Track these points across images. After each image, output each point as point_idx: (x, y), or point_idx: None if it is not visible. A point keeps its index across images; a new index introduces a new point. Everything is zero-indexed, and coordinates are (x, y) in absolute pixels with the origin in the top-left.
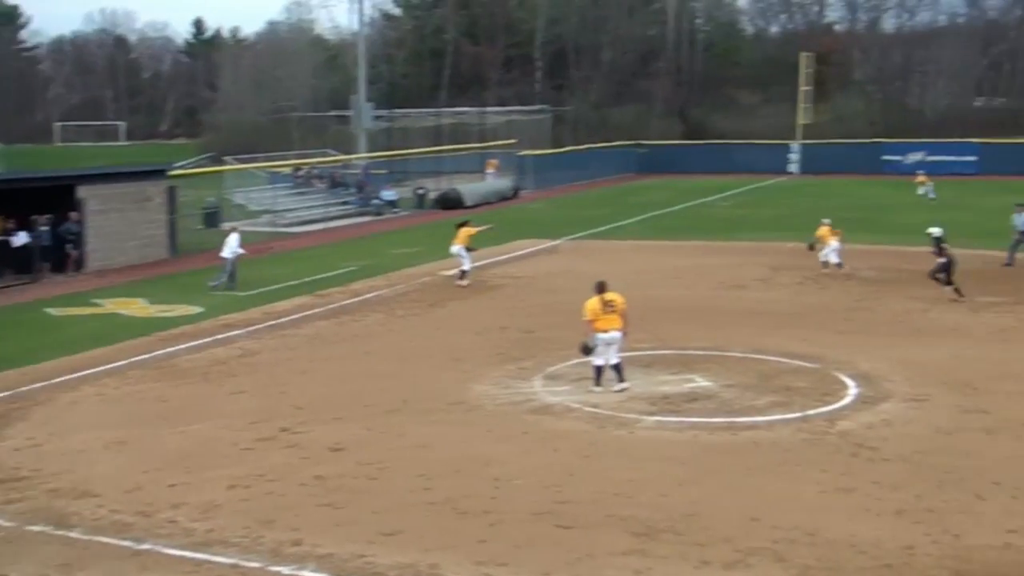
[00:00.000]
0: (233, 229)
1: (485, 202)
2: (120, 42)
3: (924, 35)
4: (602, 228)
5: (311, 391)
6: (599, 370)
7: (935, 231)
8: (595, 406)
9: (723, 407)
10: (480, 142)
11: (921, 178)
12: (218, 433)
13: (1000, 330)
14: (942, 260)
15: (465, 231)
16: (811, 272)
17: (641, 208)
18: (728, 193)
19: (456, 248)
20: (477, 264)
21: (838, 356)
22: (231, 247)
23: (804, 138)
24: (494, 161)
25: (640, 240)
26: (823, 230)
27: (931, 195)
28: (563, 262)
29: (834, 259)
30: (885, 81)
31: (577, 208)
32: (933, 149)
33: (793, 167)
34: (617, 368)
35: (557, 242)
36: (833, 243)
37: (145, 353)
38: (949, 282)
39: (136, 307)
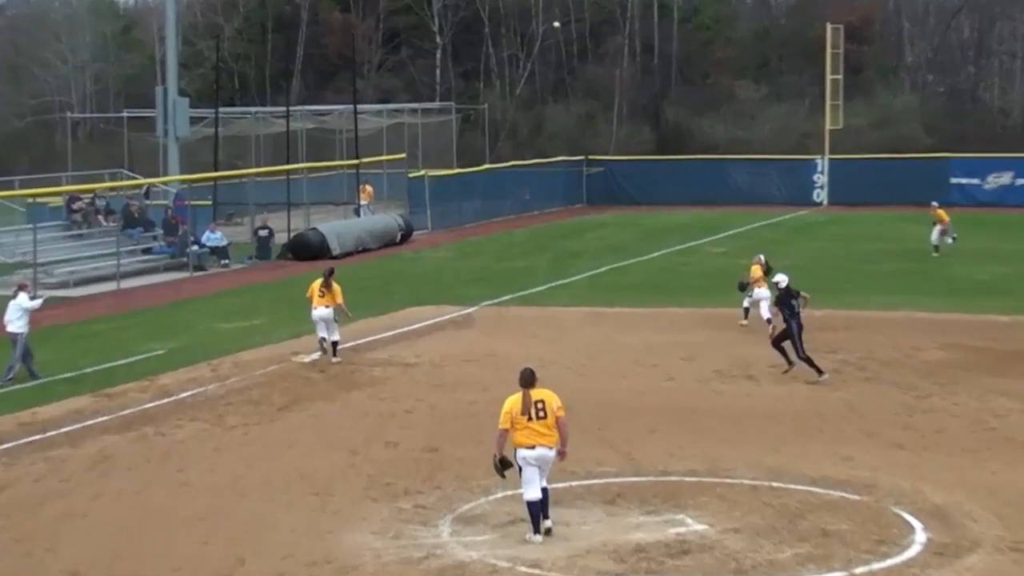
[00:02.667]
0: (21, 287)
1: (361, 248)
2: None
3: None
4: (536, 288)
5: (93, 548)
6: (537, 508)
7: (780, 279)
8: (534, 566)
9: (727, 564)
10: (352, 158)
11: (939, 212)
12: None
13: None
14: (792, 322)
15: (338, 288)
16: (851, 353)
17: (594, 257)
18: (721, 235)
19: (322, 312)
20: (350, 343)
21: (895, 482)
22: (15, 315)
23: (834, 151)
24: (369, 187)
25: (593, 306)
26: (755, 270)
27: (950, 239)
28: (478, 341)
29: (764, 312)
30: (949, 68)
31: (498, 257)
32: None
33: (819, 194)
34: (543, 500)
35: (469, 310)
36: (764, 291)
37: None
38: (801, 356)
39: None
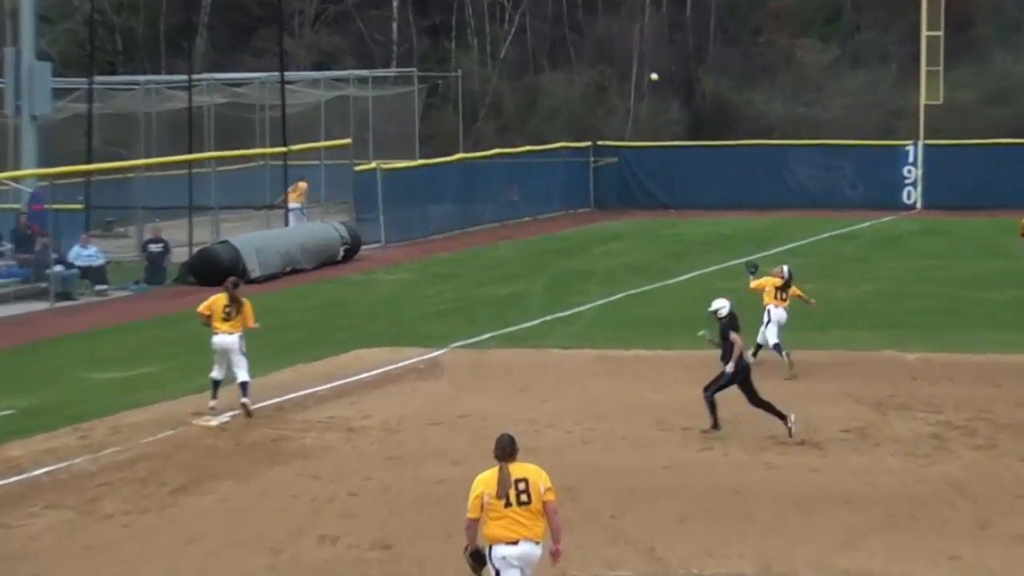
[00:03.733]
0: None
1: (291, 269)
2: None
3: None
4: (527, 323)
5: None
6: None
7: (719, 306)
8: None
9: None
10: (278, 144)
11: None
12: None
13: None
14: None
15: (249, 306)
16: (957, 412)
17: (605, 281)
18: (776, 250)
19: (226, 341)
20: (273, 399)
21: None
22: None
23: (932, 136)
24: (303, 184)
25: (604, 348)
26: (767, 282)
27: None
28: (448, 396)
29: (772, 338)
30: None
31: (477, 281)
32: None
33: (910, 193)
34: None
35: (437, 353)
36: (776, 310)
37: None
38: (754, 402)
39: None
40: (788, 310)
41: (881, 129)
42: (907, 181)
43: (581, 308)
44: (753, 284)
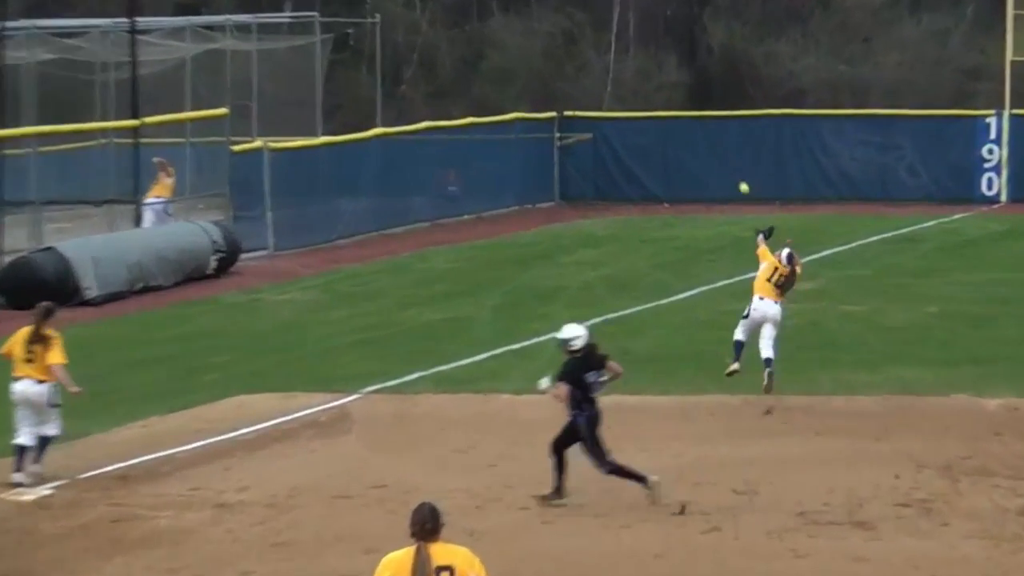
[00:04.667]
0: None
1: (141, 287)
2: None
3: None
4: (469, 358)
5: None
6: None
7: (572, 334)
8: None
9: None
10: (126, 116)
11: None
12: None
13: None
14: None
15: (58, 342)
16: None
17: (576, 301)
18: (809, 258)
19: (28, 389)
20: (113, 465)
21: None
22: None
23: (1021, 104)
24: (168, 177)
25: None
26: (767, 258)
27: None
28: (360, 459)
29: (764, 349)
30: None
31: (401, 302)
32: None
33: (991, 182)
34: None
35: (345, 400)
36: (763, 303)
37: None
38: (607, 469)
39: None
40: (785, 308)
41: (952, 94)
42: (987, 165)
43: (543, 338)
44: (760, 250)
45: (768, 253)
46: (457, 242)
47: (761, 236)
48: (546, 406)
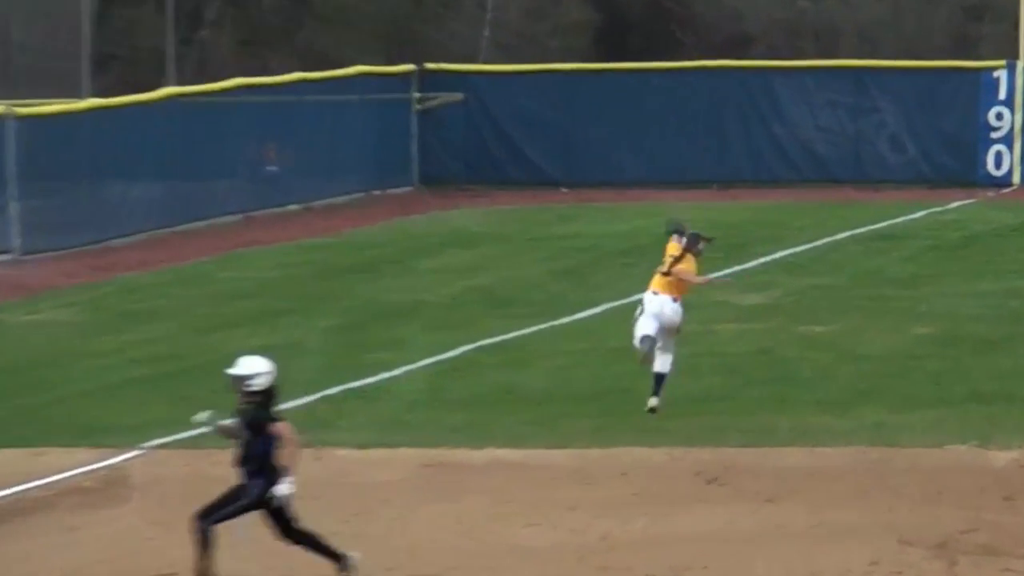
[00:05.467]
0: None
1: None
2: None
3: None
4: (290, 402)
5: None
6: None
7: (251, 370)
8: None
9: None
10: None
11: None
12: None
13: None
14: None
15: None
16: None
17: (440, 323)
18: (758, 261)
19: None
20: None
21: None
22: None
23: None
24: None
25: (442, 447)
26: (672, 247)
27: None
28: (138, 537)
29: (659, 364)
30: None
31: (198, 324)
32: None
33: (999, 158)
34: None
35: (119, 458)
36: (657, 298)
37: None
38: (294, 537)
39: None
40: (683, 304)
41: (949, 40)
42: (995, 135)
43: (396, 372)
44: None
45: (670, 247)
46: (278, 242)
47: (676, 237)
48: (400, 465)
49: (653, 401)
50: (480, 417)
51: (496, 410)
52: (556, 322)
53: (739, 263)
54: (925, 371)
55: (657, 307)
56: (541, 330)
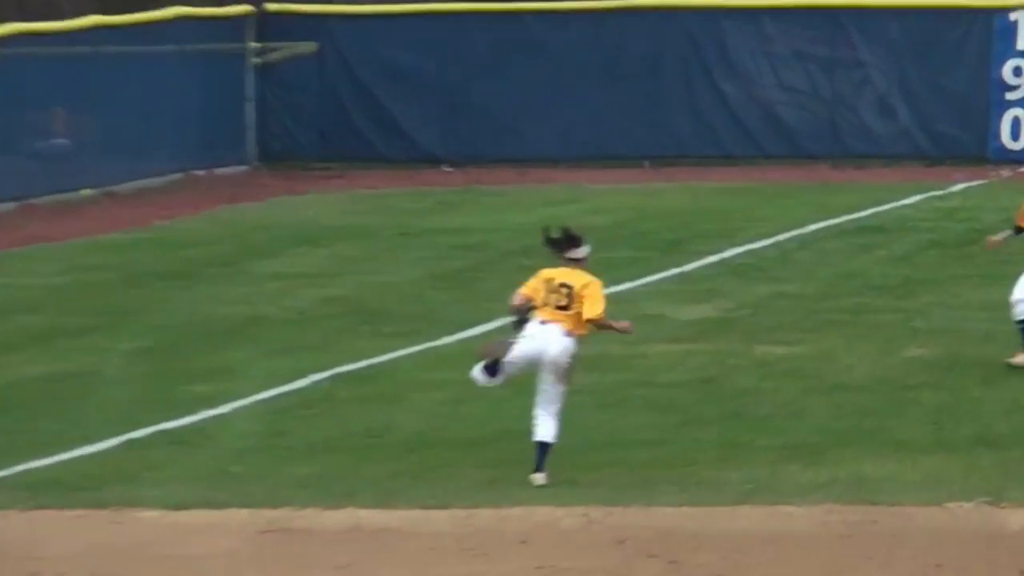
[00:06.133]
0: None
1: None
2: None
3: None
4: (80, 450)
5: None
6: None
7: None
8: None
9: None
10: None
11: None
12: None
13: None
14: None
15: None
16: None
17: (282, 346)
18: (700, 263)
19: None
20: None
21: None
22: None
23: None
24: None
25: (273, 507)
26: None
27: None
28: None
29: (543, 426)
30: None
31: None
32: None
33: (1016, 126)
34: None
35: None
36: (546, 329)
37: None
38: None
39: None
40: (577, 339)
41: None
42: (1012, 96)
43: (223, 410)
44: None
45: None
46: (68, 238)
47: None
48: (227, 532)
49: (539, 478)
50: (335, 468)
51: (357, 458)
52: (436, 343)
53: (677, 265)
54: (920, 406)
55: (542, 341)
56: (416, 353)
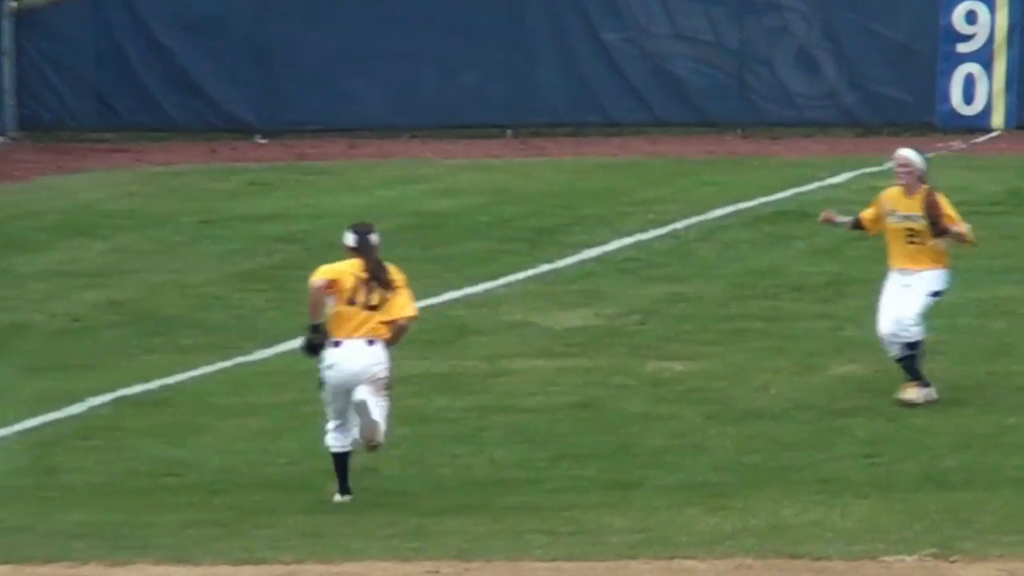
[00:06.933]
0: None
1: None
2: None
3: None
4: None
5: None
6: None
7: None
8: None
9: None
10: None
11: None
12: None
13: None
14: None
15: None
16: None
17: (40, 361)
18: (575, 259)
19: None
20: None
21: None
22: None
23: None
24: None
25: (48, 565)
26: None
27: None
28: None
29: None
30: None
31: None
32: None
33: (969, 87)
34: None
35: None
36: (357, 354)
37: None
38: None
39: None
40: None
41: None
42: (964, 48)
43: None
44: None
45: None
46: None
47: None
48: None
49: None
50: (122, 514)
51: (149, 503)
52: (244, 359)
53: (548, 260)
54: (852, 436)
55: (357, 364)
56: (221, 371)
